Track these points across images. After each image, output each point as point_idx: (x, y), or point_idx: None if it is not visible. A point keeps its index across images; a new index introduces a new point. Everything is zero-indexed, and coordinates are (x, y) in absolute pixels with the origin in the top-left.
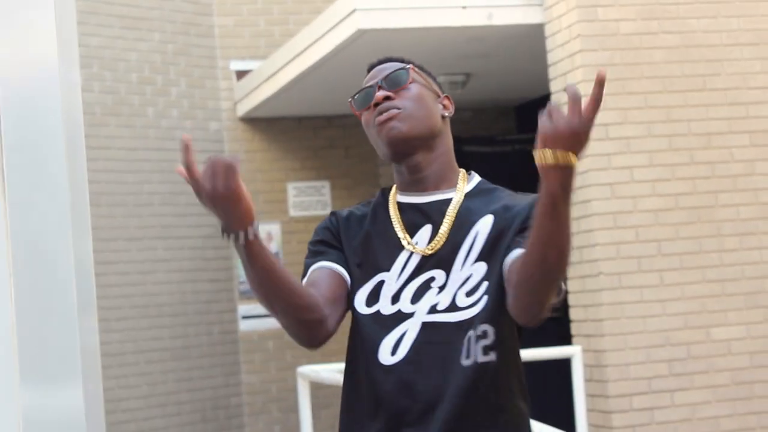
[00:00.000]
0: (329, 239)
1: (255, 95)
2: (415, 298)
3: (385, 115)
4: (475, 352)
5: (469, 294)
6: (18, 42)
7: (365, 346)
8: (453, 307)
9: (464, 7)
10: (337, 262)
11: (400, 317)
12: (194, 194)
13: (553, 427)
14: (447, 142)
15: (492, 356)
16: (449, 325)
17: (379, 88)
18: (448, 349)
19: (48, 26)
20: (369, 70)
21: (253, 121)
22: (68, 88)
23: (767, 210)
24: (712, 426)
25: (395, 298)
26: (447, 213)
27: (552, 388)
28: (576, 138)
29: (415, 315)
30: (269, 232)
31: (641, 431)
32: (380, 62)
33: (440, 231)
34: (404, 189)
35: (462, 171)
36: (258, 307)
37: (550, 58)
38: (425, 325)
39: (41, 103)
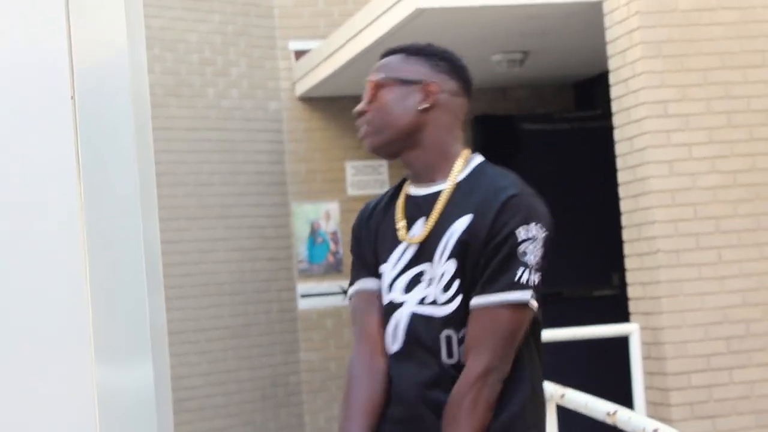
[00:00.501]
0: (357, 248)
1: (314, 75)
2: (408, 288)
3: (360, 133)
4: (458, 354)
5: (445, 289)
6: (89, 25)
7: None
8: (435, 302)
9: None
10: (372, 276)
11: (392, 307)
12: (255, 174)
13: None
14: (434, 132)
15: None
16: (431, 319)
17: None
18: (430, 343)
19: (117, 9)
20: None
21: (311, 100)
22: (136, 69)
23: None
24: None
25: (390, 288)
26: (435, 206)
27: (610, 366)
28: None
29: (405, 305)
30: (328, 211)
31: (699, 409)
32: (383, 55)
33: (427, 225)
34: (411, 181)
35: (462, 155)
36: (317, 286)
37: (609, 35)
38: (414, 316)
39: (112, 85)
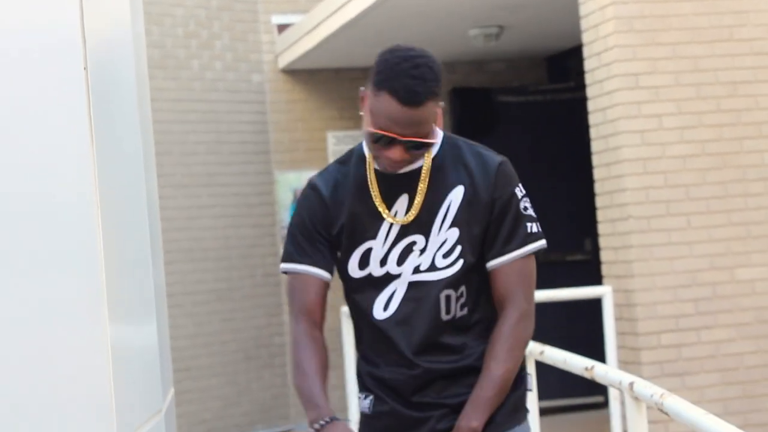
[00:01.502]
0: (314, 231)
1: (295, 48)
2: (400, 260)
3: (395, 166)
4: (455, 309)
5: (445, 256)
6: (98, 3)
7: (361, 304)
8: (433, 267)
9: None
10: (321, 265)
11: (389, 278)
12: (238, 143)
13: None
14: None
15: (466, 311)
16: (431, 283)
17: (401, 145)
18: (427, 304)
19: (122, 2)
20: (399, 95)
21: (293, 72)
22: (138, 43)
23: None
24: (737, 362)
25: (383, 262)
26: (420, 182)
27: (584, 329)
28: None
29: (402, 275)
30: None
31: (669, 367)
32: (412, 102)
33: (415, 201)
34: None
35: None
36: None
37: (582, 10)
38: (411, 284)
39: (118, 57)
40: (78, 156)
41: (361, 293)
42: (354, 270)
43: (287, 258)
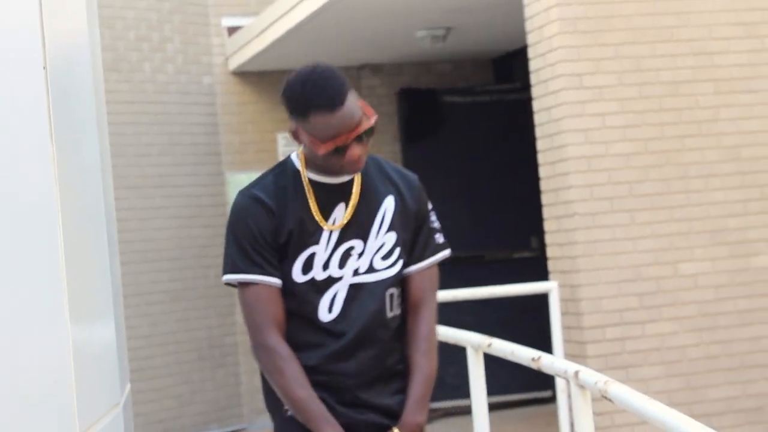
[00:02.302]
0: (263, 243)
1: (246, 50)
2: (341, 264)
3: (357, 167)
4: (395, 307)
5: (385, 257)
6: (57, 4)
7: (305, 307)
8: (371, 269)
9: None
10: (276, 274)
11: (331, 281)
12: (190, 145)
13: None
14: None
15: (399, 311)
16: (370, 284)
17: (355, 142)
18: (371, 303)
19: (79, 4)
20: (324, 107)
21: (244, 74)
22: (93, 42)
23: (730, 153)
24: (680, 354)
25: (325, 266)
26: (353, 193)
27: (531, 322)
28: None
29: (343, 278)
30: None
31: (613, 360)
32: (334, 103)
33: (348, 208)
34: (315, 170)
35: None
36: None
37: (527, 11)
38: (351, 286)
39: (75, 57)
40: (38, 156)
41: (303, 297)
42: (297, 274)
43: (235, 268)
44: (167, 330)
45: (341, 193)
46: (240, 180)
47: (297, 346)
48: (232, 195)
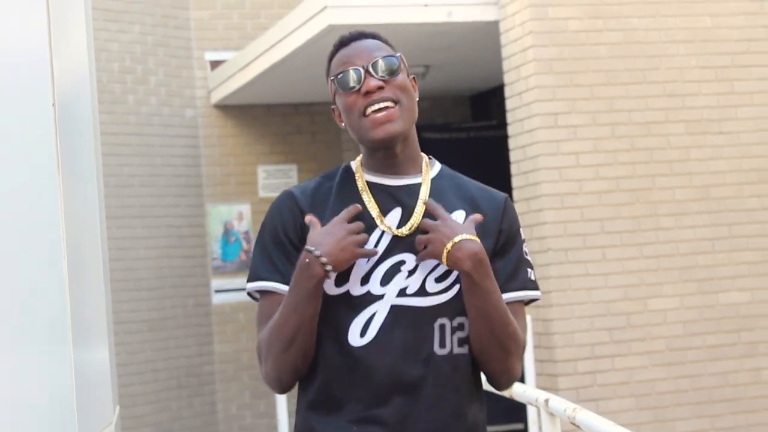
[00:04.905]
0: (286, 241)
1: (228, 84)
2: (385, 280)
3: (382, 116)
4: (451, 343)
5: (438, 280)
6: (64, 45)
7: (334, 328)
8: (422, 292)
9: (426, 6)
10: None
11: (370, 299)
12: (172, 176)
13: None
14: (414, 126)
15: (465, 349)
16: (418, 309)
17: (368, 72)
18: (417, 334)
19: (82, 33)
20: (344, 44)
21: (226, 108)
22: (93, 81)
23: (700, 192)
24: (649, 388)
25: (365, 279)
26: (419, 198)
27: None
28: (450, 230)
29: (385, 297)
30: (240, 212)
31: (584, 392)
32: (356, 37)
33: (414, 214)
34: (374, 170)
35: (424, 156)
36: (230, 282)
37: (504, 52)
38: (394, 308)
39: (79, 94)
40: (47, 189)
41: (333, 314)
42: (329, 285)
43: (255, 275)
44: (145, 359)
45: (400, 195)
46: (220, 212)
47: (316, 378)
48: (212, 226)
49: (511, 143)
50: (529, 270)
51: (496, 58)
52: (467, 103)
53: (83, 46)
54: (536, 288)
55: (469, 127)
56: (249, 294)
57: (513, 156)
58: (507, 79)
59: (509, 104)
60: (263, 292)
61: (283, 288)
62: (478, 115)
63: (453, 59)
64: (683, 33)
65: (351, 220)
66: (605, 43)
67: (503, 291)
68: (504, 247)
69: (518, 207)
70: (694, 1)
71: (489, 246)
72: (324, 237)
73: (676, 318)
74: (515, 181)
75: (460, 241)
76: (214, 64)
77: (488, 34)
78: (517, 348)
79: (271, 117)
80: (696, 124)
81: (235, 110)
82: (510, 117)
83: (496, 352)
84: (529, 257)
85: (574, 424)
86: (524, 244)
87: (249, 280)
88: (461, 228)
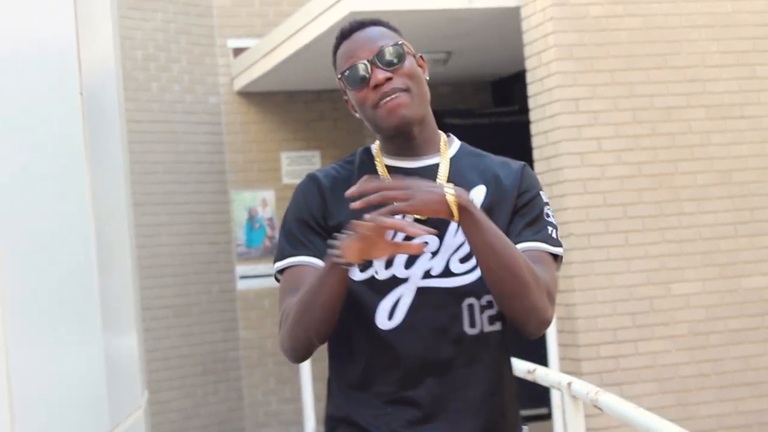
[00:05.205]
0: (311, 220)
1: (251, 71)
2: (409, 263)
3: (394, 103)
4: (481, 322)
5: (463, 260)
6: (90, 34)
7: (361, 312)
8: (447, 273)
9: None
10: (320, 256)
11: (395, 282)
12: (195, 163)
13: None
14: (429, 106)
15: (498, 326)
16: (444, 290)
17: (374, 65)
18: (445, 314)
19: (106, 27)
20: (345, 36)
21: (248, 95)
22: (118, 70)
23: (721, 177)
24: (672, 372)
25: (389, 263)
26: (438, 178)
27: (528, 340)
28: (428, 184)
29: (410, 280)
30: (264, 198)
31: (608, 377)
32: (355, 28)
33: None
34: (392, 153)
35: (442, 134)
36: (254, 268)
37: (525, 38)
38: (420, 290)
39: (105, 83)
40: (75, 177)
41: (359, 299)
42: (353, 271)
43: (281, 255)
44: (171, 345)
45: (419, 177)
46: (244, 198)
47: (348, 362)
48: (236, 212)
49: (533, 129)
50: (550, 228)
51: (517, 44)
52: (489, 89)
53: (109, 36)
54: (557, 245)
55: (491, 112)
56: (276, 278)
57: (535, 141)
58: (528, 65)
59: (531, 90)
60: (286, 269)
61: (309, 260)
62: (500, 100)
63: (474, 45)
64: (704, 18)
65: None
66: (626, 28)
67: (519, 241)
68: (523, 207)
69: None
70: None
71: (508, 210)
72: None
73: (698, 302)
74: (537, 167)
75: (449, 188)
76: (237, 52)
77: (509, 20)
78: (536, 280)
79: (294, 104)
80: (717, 108)
81: (257, 97)
82: (531, 103)
83: (513, 286)
84: (552, 219)
85: (596, 407)
86: (547, 207)
87: (276, 261)
88: (430, 183)
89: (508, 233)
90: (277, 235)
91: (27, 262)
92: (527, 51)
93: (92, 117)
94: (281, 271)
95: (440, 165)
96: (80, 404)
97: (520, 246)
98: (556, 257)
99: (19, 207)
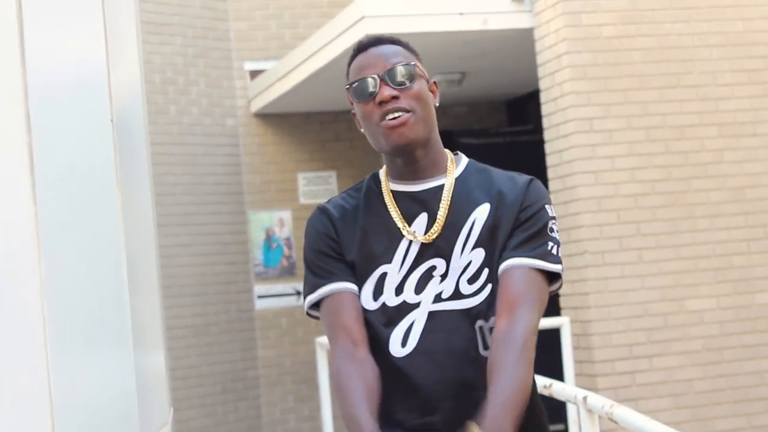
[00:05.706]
0: (329, 250)
1: (268, 93)
2: (419, 288)
3: (396, 122)
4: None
5: (471, 281)
6: (120, 64)
7: (376, 341)
8: (457, 295)
9: (461, 14)
10: (350, 279)
11: (407, 308)
12: (214, 185)
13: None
14: (437, 129)
15: None
16: (455, 312)
17: (382, 81)
18: (458, 337)
19: (132, 52)
20: (360, 49)
21: (265, 116)
22: (143, 97)
23: (735, 194)
24: (687, 387)
25: (399, 290)
26: (442, 199)
27: (544, 356)
28: None
29: (421, 305)
30: (281, 218)
31: (623, 393)
32: (372, 43)
33: (437, 218)
34: (397, 177)
35: (449, 153)
36: (272, 288)
37: (539, 58)
38: (432, 315)
39: (133, 110)
40: (107, 204)
41: (375, 327)
42: (368, 301)
43: (311, 288)
44: (190, 364)
45: (425, 201)
46: (261, 219)
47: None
48: (253, 233)
49: (548, 148)
50: (551, 243)
51: (531, 64)
52: (503, 109)
53: (135, 60)
54: (556, 262)
55: (505, 132)
56: (309, 314)
57: (549, 160)
58: (542, 85)
59: (545, 110)
60: (321, 302)
61: (339, 286)
62: (515, 119)
63: (489, 66)
64: (716, 37)
65: (379, 242)
66: (639, 48)
67: (512, 256)
68: (524, 221)
69: (555, 210)
70: (726, 6)
71: (509, 225)
72: None
73: (712, 318)
74: (552, 185)
75: None
76: (254, 74)
77: (523, 41)
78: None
79: (310, 125)
80: (729, 126)
81: (274, 119)
82: (546, 122)
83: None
84: (556, 234)
85: (612, 420)
86: (552, 222)
87: (306, 296)
88: None
89: (505, 246)
90: (293, 254)
91: (66, 283)
92: (541, 71)
93: (122, 143)
94: (317, 305)
95: (445, 186)
96: (114, 417)
97: (511, 262)
98: (553, 274)
99: (59, 232)
